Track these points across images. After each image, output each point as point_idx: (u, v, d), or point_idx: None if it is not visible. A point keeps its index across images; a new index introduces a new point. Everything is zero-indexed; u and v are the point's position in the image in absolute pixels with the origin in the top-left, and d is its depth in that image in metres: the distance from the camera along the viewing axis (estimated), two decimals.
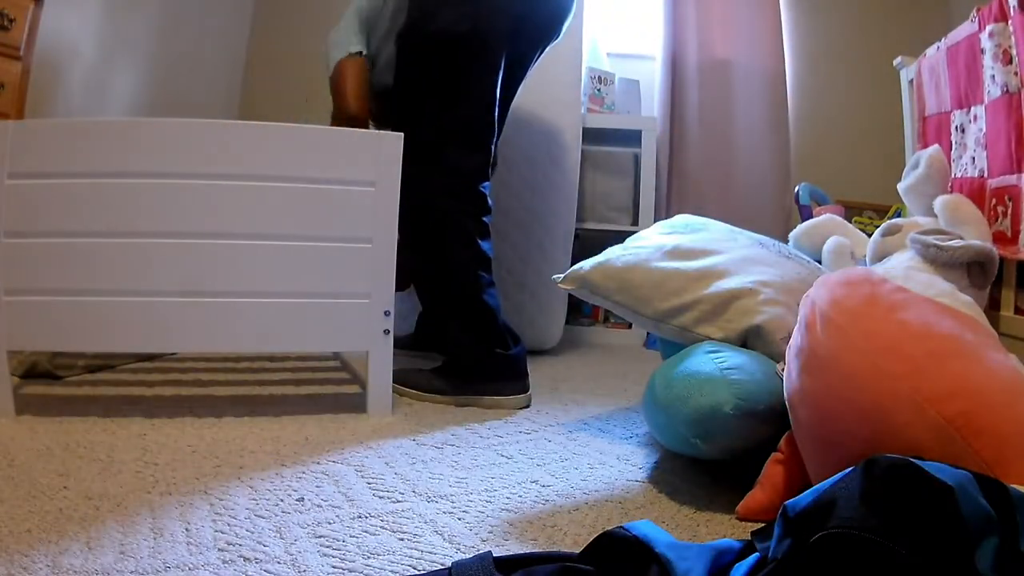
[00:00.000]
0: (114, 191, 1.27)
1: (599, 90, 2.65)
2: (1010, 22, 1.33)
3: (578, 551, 0.75)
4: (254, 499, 0.96)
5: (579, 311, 2.58)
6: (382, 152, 1.36)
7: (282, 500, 0.96)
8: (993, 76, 1.38)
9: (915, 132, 1.81)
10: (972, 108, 1.50)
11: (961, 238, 1.21)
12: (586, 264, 1.35)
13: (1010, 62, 1.33)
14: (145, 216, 1.28)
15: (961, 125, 1.56)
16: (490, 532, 0.90)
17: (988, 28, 1.39)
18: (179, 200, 1.29)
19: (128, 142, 1.28)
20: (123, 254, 1.28)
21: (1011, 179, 1.34)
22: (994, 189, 1.40)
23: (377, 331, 1.37)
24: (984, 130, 1.44)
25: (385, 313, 1.37)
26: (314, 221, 1.34)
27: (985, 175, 1.44)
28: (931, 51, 1.70)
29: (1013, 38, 1.32)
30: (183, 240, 1.29)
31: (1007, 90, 1.34)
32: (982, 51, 1.42)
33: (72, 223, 1.26)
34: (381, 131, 1.41)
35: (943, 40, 1.62)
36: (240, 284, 1.32)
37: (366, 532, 0.88)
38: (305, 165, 1.33)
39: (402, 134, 1.37)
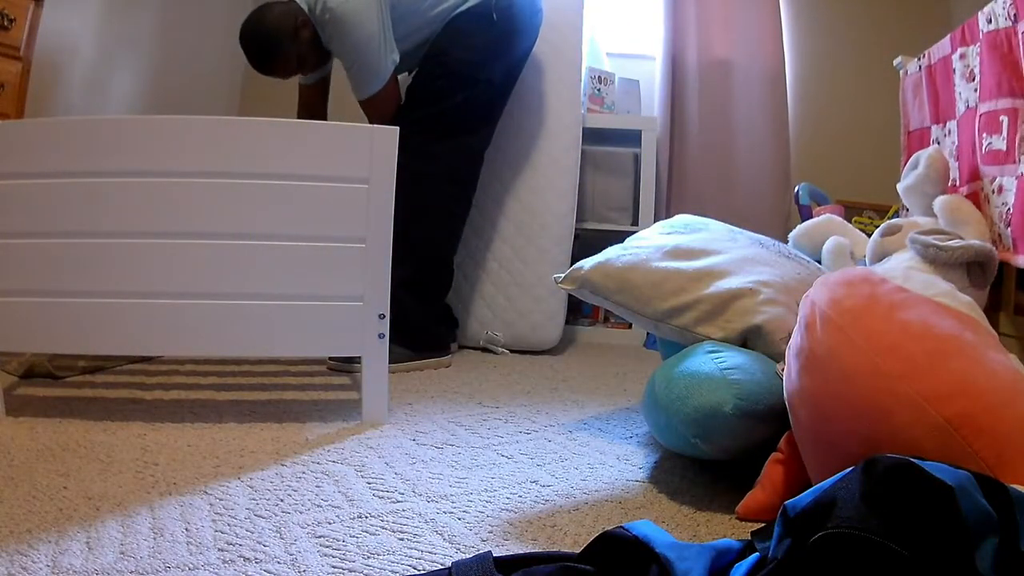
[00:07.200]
0: (97, 191, 1.24)
1: (599, 90, 2.65)
2: (978, 44, 1.39)
3: (578, 551, 0.75)
4: (254, 499, 0.96)
5: (579, 311, 2.58)
6: (376, 147, 1.29)
7: (282, 500, 0.96)
8: (960, 93, 1.48)
9: (901, 146, 1.90)
10: (947, 123, 1.60)
11: (961, 238, 1.21)
12: (586, 264, 1.35)
13: (973, 79, 1.42)
14: (129, 216, 1.24)
15: (937, 139, 1.66)
16: (490, 532, 0.90)
17: (959, 51, 1.48)
18: (163, 199, 1.25)
19: (111, 141, 1.24)
20: (106, 255, 1.24)
21: (975, 185, 1.42)
22: (965, 196, 1.48)
23: (371, 335, 1.31)
24: (956, 143, 1.53)
25: (380, 316, 1.31)
26: (304, 220, 1.28)
27: (958, 184, 1.52)
28: (912, 68, 1.79)
29: (978, 57, 1.39)
30: (166, 240, 1.25)
31: (969, 105, 1.43)
32: (953, 71, 1.52)
33: (52, 224, 1.24)
34: (375, 125, 1.35)
35: (923, 58, 1.71)
36: (226, 286, 1.26)
37: (366, 532, 0.87)
38: (295, 161, 1.27)
39: (397, 128, 1.32)
